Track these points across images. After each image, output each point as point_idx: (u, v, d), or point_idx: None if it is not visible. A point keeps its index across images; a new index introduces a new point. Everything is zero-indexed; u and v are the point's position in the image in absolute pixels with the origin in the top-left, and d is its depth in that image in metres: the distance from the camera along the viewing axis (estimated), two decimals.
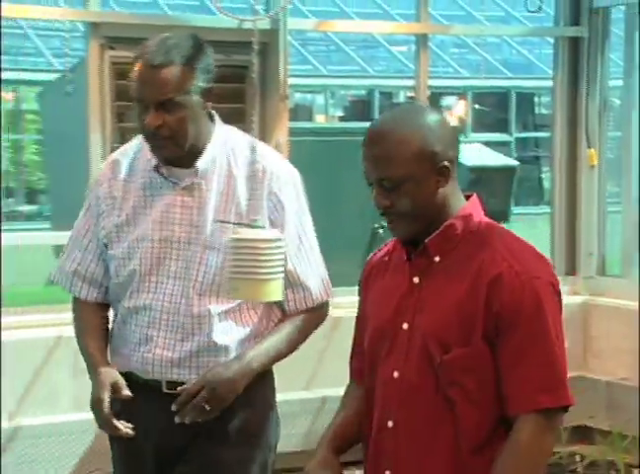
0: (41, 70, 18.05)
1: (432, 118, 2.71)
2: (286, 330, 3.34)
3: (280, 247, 3.08)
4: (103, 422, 3.17)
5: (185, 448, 3.31)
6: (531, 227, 11.60)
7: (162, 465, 3.36)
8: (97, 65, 6.26)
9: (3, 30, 18.70)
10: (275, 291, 3.08)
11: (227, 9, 6.92)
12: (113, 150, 6.47)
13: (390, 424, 2.72)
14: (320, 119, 20.90)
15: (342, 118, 21.42)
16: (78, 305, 3.44)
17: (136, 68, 3.26)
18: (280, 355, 3.33)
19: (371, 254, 2.99)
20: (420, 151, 2.64)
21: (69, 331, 5.64)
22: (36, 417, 5.63)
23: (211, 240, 3.26)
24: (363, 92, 22.29)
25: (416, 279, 2.74)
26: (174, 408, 3.11)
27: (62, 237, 6.94)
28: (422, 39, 7.28)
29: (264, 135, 6.46)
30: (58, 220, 7.80)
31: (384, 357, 2.74)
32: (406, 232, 2.73)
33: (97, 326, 3.42)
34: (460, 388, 2.64)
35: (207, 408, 3.12)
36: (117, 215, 3.35)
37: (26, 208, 24.20)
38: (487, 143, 19.33)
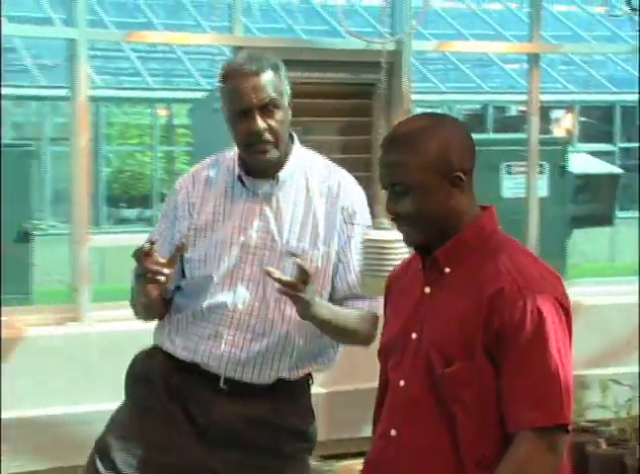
0: (192, 89, 18.27)
1: (449, 127, 2.54)
2: (361, 313, 3.24)
3: (403, 247, 3.02)
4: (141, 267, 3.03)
5: (232, 437, 3.23)
6: (634, 230, 11.35)
7: (205, 448, 3.25)
8: None
9: (160, 55, 19.02)
10: None
11: (352, 33, 6.93)
12: None
13: (393, 432, 2.54)
14: None
15: None
16: None
17: (232, 81, 3.18)
18: (347, 328, 3.19)
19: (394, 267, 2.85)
20: (432, 159, 2.47)
21: None
22: None
23: (287, 247, 3.19)
24: (478, 106, 22.09)
25: (427, 290, 2.55)
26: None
27: None
28: (533, 58, 7.30)
29: None
30: None
31: (394, 366, 2.58)
32: (415, 239, 2.57)
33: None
34: (461, 402, 2.43)
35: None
36: (194, 220, 3.28)
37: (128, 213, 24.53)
38: (593, 153, 19.03)
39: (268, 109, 3.14)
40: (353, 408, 5.81)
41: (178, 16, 20.68)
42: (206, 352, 3.22)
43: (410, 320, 2.57)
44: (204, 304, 3.22)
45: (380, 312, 3.10)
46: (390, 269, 2.93)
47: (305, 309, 2.98)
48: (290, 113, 3.23)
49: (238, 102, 3.15)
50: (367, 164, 6.57)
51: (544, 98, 7.64)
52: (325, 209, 3.23)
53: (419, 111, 8.65)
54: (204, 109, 7.87)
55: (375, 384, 2.76)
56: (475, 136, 2.62)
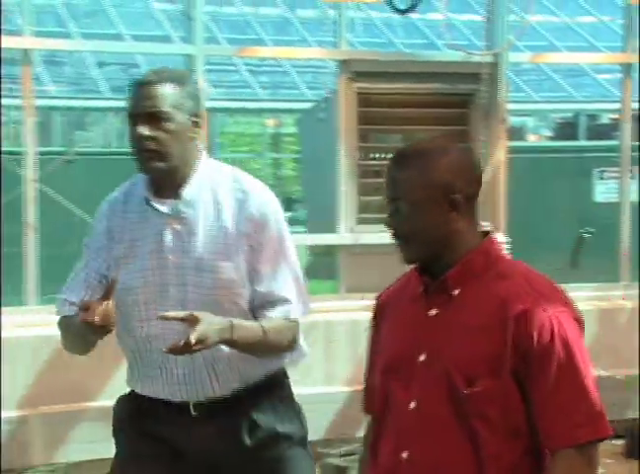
0: (298, 100, 18.33)
1: (456, 152, 2.45)
2: (278, 323, 3.03)
3: (505, 249, 2.96)
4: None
5: (217, 460, 3.07)
6: None
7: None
8: (345, 95, 6.35)
9: (269, 69, 19.13)
10: None
11: (452, 46, 6.90)
12: (357, 166, 6.60)
13: (405, 455, 2.41)
14: (532, 139, 20.55)
15: (550, 138, 21.01)
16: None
17: (132, 89, 3.05)
18: (262, 342, 2.98)
19: (383, 290, 2.73)
20: (434, 179, 2.39)
21: (320, 316, 5.77)
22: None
23: (201, 264, 3.02)
24: (570, 115, 21.77)
25: (433, 312, 2.44)
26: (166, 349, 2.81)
27: (315, 238, 7.11)
28: (626, 68, 7.20)
29: (486, 153, 6.40)
30: (312, 225, 7.90)
31: (400, 389, 2.44)
32: (409, 256, 2.46)
33: None
34: (485, 419, 2.34)
35: (192, 340, 2.75)
36: (116, 249, 3.12)
37: (285, 215, 24.65)
38: None
39: (157, 119, 2.98)
40: None
41: (286, 32, 20.82)
42: (160, 384, 3.05)
43: (414, 342, 2.45)
44: (144, 334, 3.05)
45: (295, 315, 3.03)
46: None
47: (217, 344, 2.86)
48: (195, 130, 3.04)
49: (130, 107, 3.03)
50: None
51: (636, 106, 7.51)
52: (234, 220, 3.05)
53: (514, 119, 8.58)
54: (310, 118, 7.90)
55: None
56: (567, 143, 2.56)
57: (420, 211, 2.41)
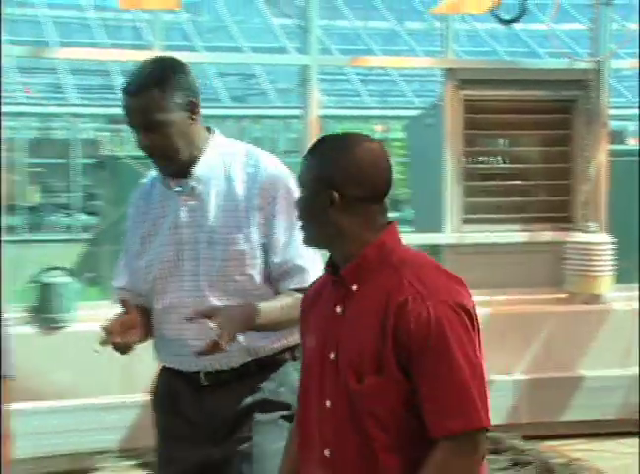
0: (405, 107, 18.29)
1: (355, 152, 2.30)
2: (285, 301, 2.92)
3: (609, 249, 2.88)
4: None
5: (230, 431, 2.98)
6: None
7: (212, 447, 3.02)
8: (452, 102, 6.30)
9: (378, 78, 19.11)
10: (604, 286, 2.90)
11: (554, 55, 6.79)
12: (463, 169, 6.55)
13: (327, 453, 2.30)
14: (632, 143, 20.11)
15: None
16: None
17: (123, 97, 2.95)
18: (280, 320, 2.89)
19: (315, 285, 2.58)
20: (318, 173, 2.28)
21: None
22: None
23: (213, 237, 2.96)
24: None
25: (338, 309, 2.31)
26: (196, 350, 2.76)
27: (422, 238, 7.08)
28: None
29: (588, 156, 6.28)
30: (419, 225, 7.85)
31: (316, 387, 2.33)
32: (305, 239, 2.38)
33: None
34: (374, 416, 2.21)
35: (216, 335, 2.72)
36: (141, 229, 3.11)
37: (391, 215, 24.68)
38: None
39: (151, 127, 2.91)
40: (551, 393, 5.70)
41: (394, 43, 20.80)
42: (175, 354, 3.00)
43: (325, 339, 2.33)
44: (160, 306, 3.02)
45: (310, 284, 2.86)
46: (597, 269, 2.79)
47: (233, 327, 2.77)
48: (193, 115, 2.96)
49: (127, 119, 2.96)
50: (567, 173, 6.42)
51: None
52: (245, 194, 2.97)
53: (614, 124, 8.41)
54: (418, 124, 7.85)
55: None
56: None
57: (306, 200, 2.33)
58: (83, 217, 18.68)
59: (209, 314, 2.75)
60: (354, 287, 2.29)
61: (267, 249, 2.96)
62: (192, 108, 2.95)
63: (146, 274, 3.03)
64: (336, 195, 2.26)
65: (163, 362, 3.08)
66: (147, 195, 3.12)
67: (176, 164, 2.97)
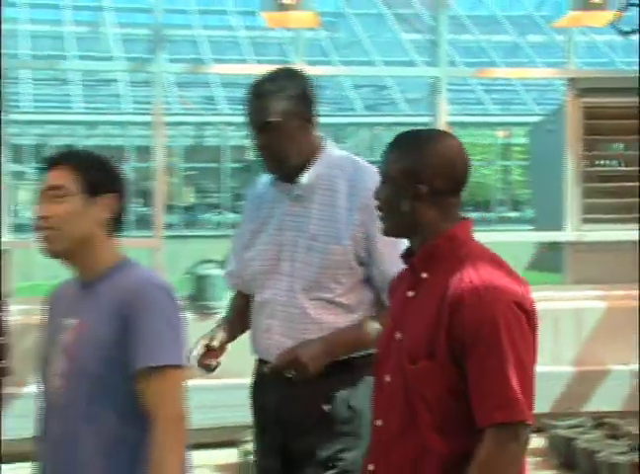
0: (526, 114, 18.02)
1: (441, 147, 2.22)
2: (369, 325, 2.81)
3: None
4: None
5: (302, 425, 2.86)
6: None
7: (285, 442, 2.90)
8: (572, 109, 6.17)
9: (500, 87, 18.81)
10: None
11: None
12: (582, 172, 6.43)
13: (379, 422, 2.26)
14: None
15: None
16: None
17: (248, 96, 2.87)
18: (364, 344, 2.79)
19: None
20: (404, 166, 2.19)
21: (547, 305, 5.62)
22: None
23: (313, 244, 2.87)
24: None
25: (410, 293, 2.25)
26: (266, 369, 2.74)
27: (542, 236, 6.99)
28: None
29: None
30: (539, 223, 7.72)
31: (381, 363, 2.29)
32: (384, 229, 2.28)
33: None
34: (422, 397, 2.15)
35: (292, 374, 2.72)
36: (251, 224, 3.04)
37: (512, 214, 24.38)
38: None
39: (268, 129, 2.84)
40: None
41: (515, 54, 20.51)
42: (264, 345, 2.93)
43: (396, 321, 2.29)
44: (258, 299, 2.95)
45: None
46: None
47: (311, 366, 2.72)
48: (309, 126, 2.87)
49: (247, 118, 2.89)
50: None
51: None
52: (347, 206, 2.88)
53: None
54: (540, 130, 7.74)
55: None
56: None
57: (390, 191, 2.23)
58: (232, 215, 19.09)
59: (290, 364, 2.72)
60: (424, 275, 2.22)
61: (368, 262, 2.87)
62: (308, 118, 2.88)
63: (249, 267, 3.00)
64: (424, 188, 2.18)
65: (255, 352, 3.03)
66: (261, 193, 3.08)
67: (285, 168, 2.91)
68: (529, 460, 2.29)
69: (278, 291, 2.88)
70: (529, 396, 2.07)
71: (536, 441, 5.16)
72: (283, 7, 5.59)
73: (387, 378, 2.24)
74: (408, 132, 2.30)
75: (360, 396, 2.85)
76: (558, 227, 6.56)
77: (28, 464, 4.55)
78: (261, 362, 2.95)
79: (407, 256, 2.28)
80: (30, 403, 3.78)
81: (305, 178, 2.90)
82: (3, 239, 5.56)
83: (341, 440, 2.86)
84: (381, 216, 2.26)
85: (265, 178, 3.09)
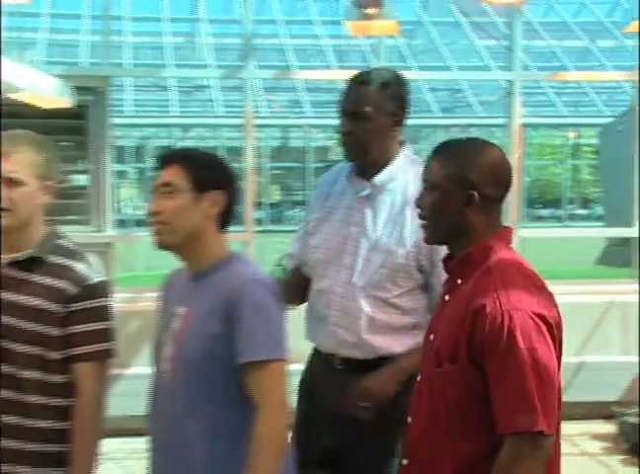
0: (596, 116, 17.66)
1: (488, 154, 2.12)
2: None
3: None
4: None
5: (347, 417, 2.72)
6: None
7: (334, 428, 2.82)
8: None
9: (571, 90, 18.48)
10: None
11: None
12: None
13: (409, 419, 2.19)
14: None
15: None
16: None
17: (346, 84, 2.82)
18: None
19: None
20: (455, 173, 2.09)
21: (617, 298, 5.51)
22: (596, 356, 5.47)
23: (377, 244, 2.78)
24: None
25: (447, 297, 2.18)
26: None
27: (613, 232, 6.85)
28: None
29: None
30: (610, 220, 7.55)
31: (421, 363, 2.22)
32: (428, 236, 2.19)
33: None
34: (444, 400, 2.06)
35: (366, 406, 2.62)
36: (319, 212, 2.94)
37: (581, 212, 23.96)
38: None
39: (358, 117, 2.75)
40: None
41: (585, 59, 20.12)
42: (318, 333, 2.84)
43: (433, 323, 2.23)
44: (316, 287, 2.86)
45: None
46: None
47: (383, 394, 2.63)
48: (395, 128, 2.79)
49: (339, 103, 2.80)
50: None
51: None
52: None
53: None
54: (611, 131, 7.55)
55: None
56: None
57: (436, 198, 2.11)
58: None
59: (362, 397, 2.63)
60: (459, 281, 2.13)
61: (428, 271, 2.76)
62: (397, 120, 2.81)
63: (312, 254, 2.91)
64: (476, 195, 2.08)
65: (309, 339, 2.95)
66: (332, 183, 3.00)
67: (363, 160, 2.82)
68: (600, 445, 2.22)
69: (336, 282, 2.80)
70: (548, 407, 1.96)
71: (607, 428, 5.07)
72: (367, 16, 5.58)
73: (418, 378, 2.18)
74: (451, 140, 2.22)
75: (408, 396, 2.60)
76: (627, 224, 6.43)
77: (129, 439, 4.65)
78: (316, 350, 2.87)
79: (446, 261, 2.20)
80: (130, 383, 3.88)
81: (379, 178, 2.81)
82: (108, 233, 5.67)
83: (384, 438, 2.76)
84: (424, 224, 2.16)
85: (339, 168, 3.02)
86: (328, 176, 3.05)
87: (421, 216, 2.17)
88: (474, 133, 19.57)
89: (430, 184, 2.14)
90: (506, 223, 2.24)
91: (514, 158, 6.31)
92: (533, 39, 18.14)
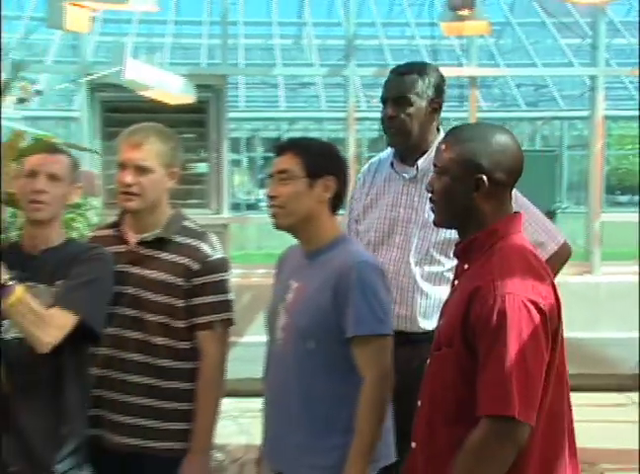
0: None
1: (498, 140, 1.96)
2: None
3: None
4: None
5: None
6: None
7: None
8: None
9: None
10: None
11: None
12: None
13: (418, 403, 2.06)
14: None
15: None
16: None
17: (388, 76, 2.85)
18: None
19: None
20: (464, 158, 1.94)
21: None
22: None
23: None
24: None
25: (455, 282, 2.05)
26: None
27: None
28: None
29: None
30: None
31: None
32: (436, 219, 2.05)
33: None
34: (442, 381, 1.95)
35: None
36: (364, 200, 2.93)
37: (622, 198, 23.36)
38: None
39: (401, 103, 2.76)
40: None
41: None
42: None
43: (442, 308, 2.10)
44: None
45: None
46: None
47: None
48: (434, 114, 2.80)
49: (383, 91, 2.83)
50: None
51: None
52: None
53: None
54: None
55: None
56: None
57: (446, 182, 1.98)
58: None
59: None
60: (465, 266, 2.02)
61: None
62: (434, 106, 2.82)
63: (361, 238, 2.92)
64: (485, 179, 1.95)
65: None
66: (374, 172, 2.99)
67: (406, 144, 2.82)
68: None
69: (389, 261, 2.78)
70: (527, 394, 1.80)
71: None
72: (460, 18, 5.49)
73: (428, 361, 2.07)
74: (463, 125, 2.08)
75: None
76: None
77: (244, 399, 4.74)
78: None
79: (456, 246, 2.08)
80: (245, 350, 3.93)
81: (421, 162, 2.81)
82: (224, 215, 5.75)
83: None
84: (434, 207, 2.05)
85: (378, 160, 3.01)
86: (368, 167, 3.03)
87: (431, 200, 2.06)
88: (556, 125, 19.10)
89: (439, 168, 2.01)
90: (587, 209, 2.16)
91: (596, 148, 6.15)
92: (615, 37, 17.53)
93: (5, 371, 2.14)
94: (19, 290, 2.10)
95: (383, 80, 3.00)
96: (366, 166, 3.10)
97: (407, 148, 2.84)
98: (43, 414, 2.23)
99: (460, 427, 1.89)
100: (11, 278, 2.09)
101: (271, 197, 2.27)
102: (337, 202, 2.35)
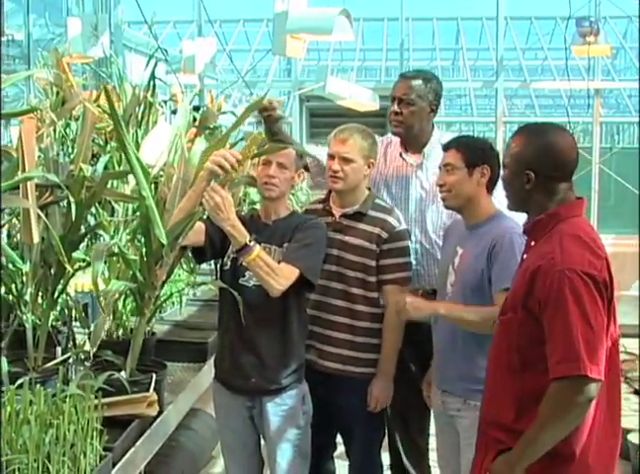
0: None
1: (549, 139, 1.78)
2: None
3: None
4: None
5: None
6: None
7: None
8: None
9: None
10: None
11: None
12: None
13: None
14: None
15: None
16: None
17: (398, 79, 2.68)
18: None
19: None
20: (518, 155, 1.81)
21: None
22: None
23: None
24: None
25: (524, 256, 1.86)
26: None
27: None
28: None
29: None
30: None
31: None
32: (509, 203, 1.90)
33: None
34: (508, 344, 1.77)
35: None
36: (376, 173, 2.71)
37: None
38: None
39: (405, 102, 2.61)
40: None
41: None
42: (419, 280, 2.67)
43: (513, 279, 1.90)
44: None
45: None
46: None
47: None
48: (431, 114, 2.65)
49: (392, 92, 2.64)
50: None
51: None
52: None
53: None
54: None
55: None
56: None
57: (507, 174, 1.86)
58: None
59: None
60: (532, 243, 1.86)
61: None
62: (433, 108, 2.68)
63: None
64: (532, 175, 1.80)
65: None
66: (386, 148, 2.80)
67: (407, 135, 2.70)
68: None
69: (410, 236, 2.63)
70: (594, 354, 1.64)
71: None
72: (587, 42, 5.38)
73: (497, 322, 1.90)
74: (528, 125, 1.92)
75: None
76: None
77: None
78: None
79: (524, 226, 1.94)
80: None
81: (426, 150, 2.71)
82: None
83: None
84: (506, 195, 1.92)
85: (386, 138, 2.82)
86: (385, 142, 2.84)
87: (505, 188, 1.94)
88: None
89: (504, 164, 1.90)
90: None
91: None
92: None
93: (245, 310, 2.20)
94: (257, 249, 2.16)
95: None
96: (382, 144, 2.84)
97: (407, 139, 2.73)
98: (275, 341, 2.29)
99: (524, 379, 1.77)
100: (252, 240, 2.15)
101: (440, 185, 2.32)
102: (491, 186, 2.33)
